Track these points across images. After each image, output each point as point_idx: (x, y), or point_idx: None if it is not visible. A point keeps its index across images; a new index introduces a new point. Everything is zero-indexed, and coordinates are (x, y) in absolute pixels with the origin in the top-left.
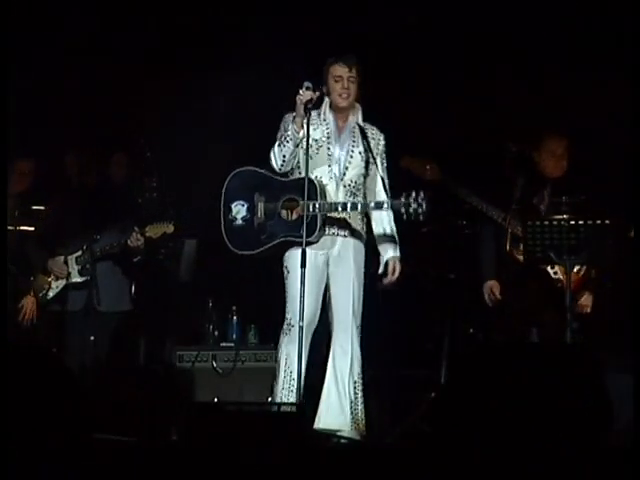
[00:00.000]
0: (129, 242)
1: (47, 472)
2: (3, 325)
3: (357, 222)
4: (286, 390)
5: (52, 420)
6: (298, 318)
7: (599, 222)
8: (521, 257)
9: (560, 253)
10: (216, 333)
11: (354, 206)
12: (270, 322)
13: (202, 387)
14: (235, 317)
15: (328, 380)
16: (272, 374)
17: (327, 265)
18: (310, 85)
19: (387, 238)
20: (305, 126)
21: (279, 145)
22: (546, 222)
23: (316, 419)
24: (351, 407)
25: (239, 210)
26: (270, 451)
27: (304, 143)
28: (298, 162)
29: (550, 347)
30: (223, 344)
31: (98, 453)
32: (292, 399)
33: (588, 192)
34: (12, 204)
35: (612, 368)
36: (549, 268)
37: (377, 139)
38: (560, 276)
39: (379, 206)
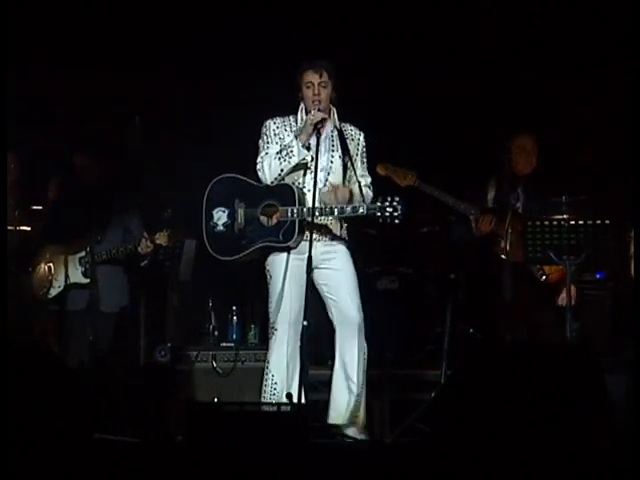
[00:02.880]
0: (139, 249)
1: (47, 472)
2: (3, 325)
3: (338, 227)
4: (268, 394)
5: (52, 420)
6: (288, 319)
7: (599, 222)
8: (503, 256)
9: (560, 253)
10: (216, 333)
11: (331, 211)
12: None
13: (202, 387)
14: (235, 317)
15: (336, 378)
16: None
17: (313, 270)
18: (322, 106)
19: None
20: (316, 145)
21: (279, 159)
22: (546, 222)
23: (328, 415)
24: (356, 401)
25: (220, 216)
26: (270, 451)
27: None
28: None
29: (550, 347)
30: (223, 344)
31: (98, 453)
32: (272, 399)
33: (588, 192)
34: (12, 203)
35: (612, 368)
36: (534, 267)
37: (356, 139)
38: (544, 274)
39: (355, 211)
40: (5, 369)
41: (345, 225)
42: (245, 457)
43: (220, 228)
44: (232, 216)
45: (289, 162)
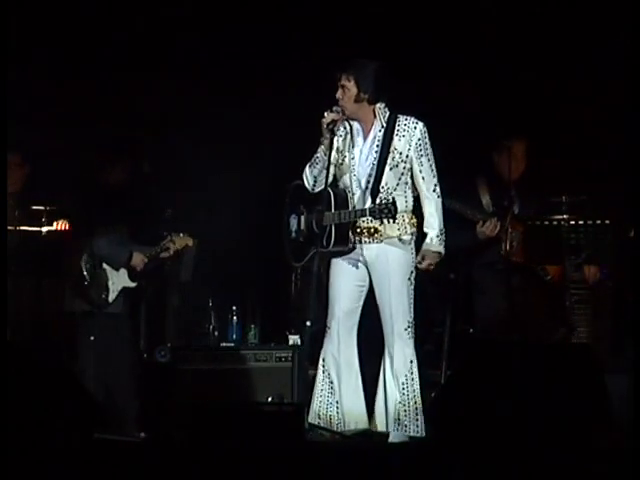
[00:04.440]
0: (170, 252)
1: (47, 472)
2: (3, 325)
3: (392, 227)
4: (326, 391)
5: (52, 420)
6: (338, 318)
7: (599, 222)
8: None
9: (560, 253)
10: (216, 333)
11: (348, 215)
12: (270, 322)
13: (202, 387)
14: (235, 317)
15: (379, 383)
16: (272, 374)
17: (364, 272)
18: (338, 108)
19: (427, 230)
20: (329, 147)
21: (310, 166)
22: (546, 222)
23: (362, 419)
24: (398, 409)
25: (293, 224)
26: (270, 450)
27: (333, 159)
28: (335, 175)
29: (550, 347)
30: (223, 344)
31: (98, 453)
32: (331, 399)
33: (588, 192)
34: (12, 203)
35: (612, 368)
36: (538, 267)
37: (410, 133)
38: (547, 275)
39: (363, 214)
40: (5, 369)
41: (405, 221)
42: (245, 457)
43: (293, 235)
44: (299, 223)
45: (317, 168)
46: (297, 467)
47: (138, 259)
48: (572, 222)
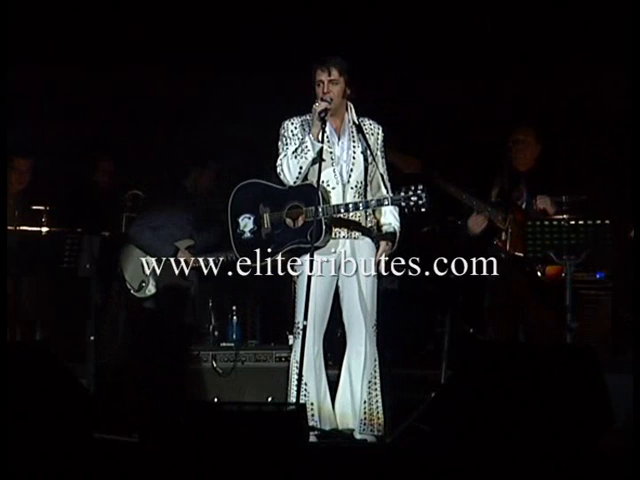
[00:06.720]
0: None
1: (47, 472)
2: (3, 325)
3: (365, 223)
4: (301, 395)
5: (52, 420)
6: (302, 318)
7: (599, 222)
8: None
9: (560, 253)
10: (216, 333)
11: (355, 206)
12: (270, 322)
13: (202, 387)
14: (235, 317)
15: (342, 381)
16: (272, 374)
17: (337, 268)
18: (329, 97)
19: (389, 220)
20: (322, 136)
21: (296, 156)
22: (546, 222)
23: (333, 419)
24: (364, 408)
25: (246, 223)
26: (270, 451)
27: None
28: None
29: (550, 347)
30: (223, 344)
31: (98, 453)
32: (307, 401)
33: (587, 191)
34: (12, 203)
35: (612, 368)
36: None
37: (375, 133)
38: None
39: (380, 203)
40: (5, 369)
41: (370, 218)
42: (245, 457)
43: (247, 235)
44: (258, 221)
45: (306, 158)
46: (297, 467)
47: (185, 256)
48: (572, 222)
